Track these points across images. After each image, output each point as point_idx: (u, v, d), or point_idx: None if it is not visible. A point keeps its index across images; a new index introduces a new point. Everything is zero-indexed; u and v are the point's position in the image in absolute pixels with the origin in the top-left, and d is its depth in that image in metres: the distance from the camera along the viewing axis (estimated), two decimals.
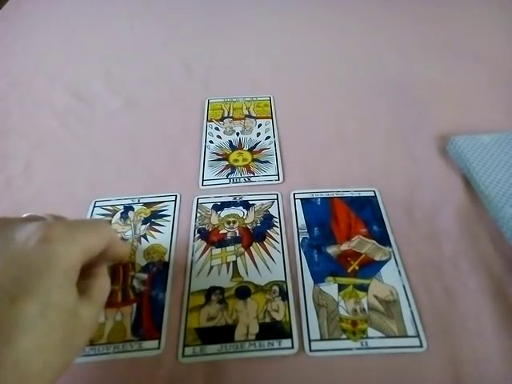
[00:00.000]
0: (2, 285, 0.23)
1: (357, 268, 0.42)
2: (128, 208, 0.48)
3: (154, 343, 0.37)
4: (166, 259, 0.43)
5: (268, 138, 0.57)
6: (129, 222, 0.47)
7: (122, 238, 0.45)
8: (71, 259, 0.26)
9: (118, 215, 0.48)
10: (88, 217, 0.47)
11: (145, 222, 0.47)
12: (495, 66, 0.69)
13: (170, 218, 0.47)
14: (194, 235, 0.45)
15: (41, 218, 0.29)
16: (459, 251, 0.43)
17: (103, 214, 0.48)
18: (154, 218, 0.47)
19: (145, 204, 0.49)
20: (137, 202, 0.49)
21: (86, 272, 0.30)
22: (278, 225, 0.46)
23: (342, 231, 0.45)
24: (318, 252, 0.43)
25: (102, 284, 0.31)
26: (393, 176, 0.51)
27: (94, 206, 0.49)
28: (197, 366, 0.36)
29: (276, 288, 0.40)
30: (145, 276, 0.42)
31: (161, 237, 0.46)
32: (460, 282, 0.41)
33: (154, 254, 0.44)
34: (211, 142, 0.57)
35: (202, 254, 0.44)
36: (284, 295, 0.40)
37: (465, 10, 0.85)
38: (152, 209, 0.48)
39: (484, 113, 0.60)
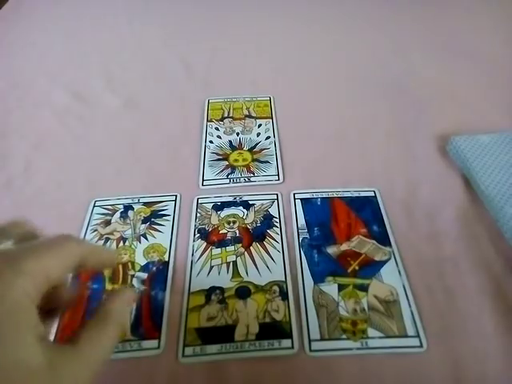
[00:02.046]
0: None
1: (357, 268, 0.42)
2: (128, 207, 0.49)
3: (153, 343, 0.37)
4: (166, 258, 0.43)
5: (268, 137, 0.57)
6: (128, 221, 0.47)
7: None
8: (19, 297, 0.20)
9: (117, 214, 0.48)
10: (88, 216, 0.48)
11: (145, 221, 0.47)
12: (495, 65, 0.69)
13: (170, 218, 0.47)
14: (194, 235, 0.46)
15: None
16: (459, 251, 0.43)
17: (103, 214, 0.48)
18: (153, 217, 0.47)
19: (145, 203, 0.49)
20: (137, 201, 0.49)
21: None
22: (277, 225, 0.46)
23: (342, 231, 0.45)
24: (318, 252, 0.43)
25: (101, 337, 0.23)
26: (393, 176, 0.51)
27: (94, 206, 0.49)
28: (197, 366, 0.36)
29: (276, 288, 0.40)
30: (144, 275, 0.42)
31: (160, 236, 0.46)
32: (460, 282, 0.41)
33: (153, 254, 0.44)
34: (211, 142, 0.57)
35: (202, 253, 0.44)
36: (284, 295, 0.40)
37: (465, 10, 0.85)
38: (152, 208, 0.48)
39: (484, 113, 0.60)
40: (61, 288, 0.26)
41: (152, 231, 0.46)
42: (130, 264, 0.43)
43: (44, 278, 0.22)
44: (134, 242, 0.45)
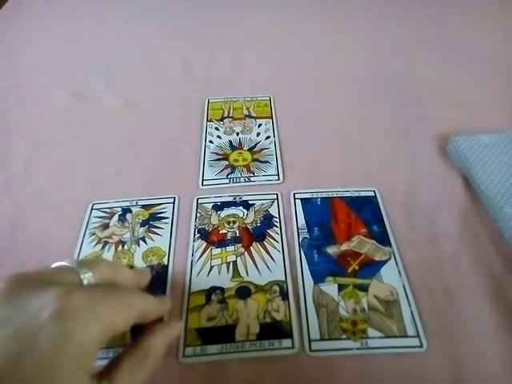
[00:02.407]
0: None
1: (357, 268, 0.42)
2: (126, 210, 0.48)
3: None
4: (165, 262, 0.43)
5: (268, 137, 0.57)
6: (127, 224, 0.47)
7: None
8: (87, 340, 0.22)
9: (115, 217, 0.48)
10: (86, 218, 0.47)
11: (143, 224, 0.47)
12: (495, 65, 0.69)
13: (169, 221, 0.47)
14: (194, 235, 0.45)
15: (66, 285, 0.24)
16: (459, 251, 0.43)
17: (101, 217, 0.48)
18: (152, 220, 0.47)
19: (143, 206, 0.49)
20: (135, 204, 0.49)
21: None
22: (277, 225, 0.46)
23: (342, 231, 0.45)
24: (318, 252, 0.43)
25: (135, 374, 0.25)
26: (393, 176, 0.51)
27: (92, 209, 0.48)
28: (197, 367, 0.36)
29: (276, 288, 0.40)
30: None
31: (159, 239, 0.45)
32: (460, 282, 0.41)
33: (152, 257, 0.44)
34: (211, 141, 0.57)
35: (202, 254, 0.44)
36: (284, 295, 0.40)
37: (465, 10, 0.85)
38: (150, 211, 0.48)
39: (484, 113, 0.60)
40: None
41: (151, 234, 0.46)
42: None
43: (112, 329, 0.24)
44: (133, 246, 0.45)
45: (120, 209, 0.48)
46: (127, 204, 0.49)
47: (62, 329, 0.21)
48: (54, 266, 0.26)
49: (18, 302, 0.22)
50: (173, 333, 0.30)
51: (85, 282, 0.25)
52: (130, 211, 0.48)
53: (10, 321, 0.21)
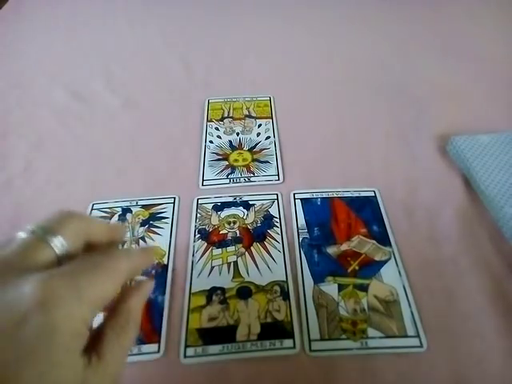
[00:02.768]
0: None
1: (357, 268, 0.42)
2: (126, 210, 0.48)
3: (153, 347, 0.37)
4: (165, 261, 0.43)
5: (268, 137, 0.57)
6: (127, 224, 0.47)
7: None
8: (77, 324, 0.21)
9: (115, 217, 0.48)
10: None
11: (143, 224, 0.47)
12: (495, 66, 0.69)
13: (169, 221, 0.47)
14: (195, 236, 0.46)
15: (45, 271, 0.22)
16: (459, 251, 0.44)
17: (101, 217, 0.48)
18: (152, 220, 0.47)
19: (143, 206, 0.49)
20: (135, 204, 0.49)
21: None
22: (278, 225, 0.46)
23: (342, 231, 0.45)
24: (318, 252, 0.44)
25: (121, 341, 0.24)
26: (393, 176, 0.51)
27: (92, 209, 0.49)
28: (199, 367, 0.36)
29: (277, 288, 0.40)
30: (143, 279, 0.42)
31: (159, 239, 0.45)
32: (460, 281, 0.41)
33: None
34: (211, 142, 0.57)
35: (203, 254, 0.44)
36: (285, 295, 0.40)
37: (465, 10, 0.85)
38: (150, 211, 0.48)
39: (484, 113, 0.60)
40: None
41: (151, 234, 0.46)
42: None
43: (101, 303, 0.22)
44: (133, 245, 0.45)
45: (120, 209, 0.48)
46: (127, 204, 0.49)
47: (49, 318, 0.19)
48: (18, 238, 0.24)
49: None
50: (147, 291, 0.29)
51: (57, 250, 0.23)
52: (130, 211, 0.48)
53: None
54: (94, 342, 0.23)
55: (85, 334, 0.21)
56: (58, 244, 0.23)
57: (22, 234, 0.24)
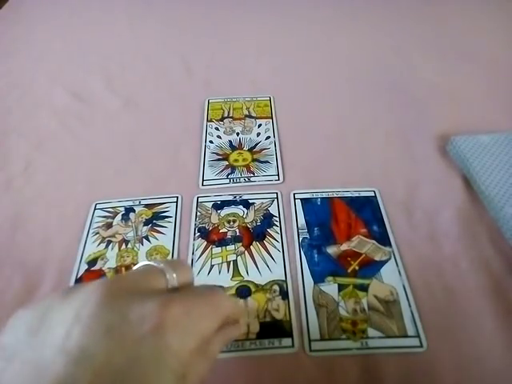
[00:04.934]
0: (101, 376, 0.19)
1: (357, 268, 0.42)
2: (129, 210, 0.48)
3: None
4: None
5: (268, 137, 0.57)
6: (130, 223, 0.47)
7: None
8: (183, 353, 0.22)
9: (119, 217, 0.48)
10: (89, 219, 0.47)
11: (146, 223, 0.47)
12: (495, 66, 0.69)
13: (172, 220, 0.47)
14: (195, 234, 0.46)
15: (164, 294, 0.24)
16: (459, 251, 0.43)
17: (104, 216, 0.48)
18: (155, 219, 0.47)
19: (146, 205, 0.49)
20: (138, 203, 0.49)
21: None
22: (277, 224, 0.46)
23: (342, 231, 0.45)
24: (318, 252, 0.43)
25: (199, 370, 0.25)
26: (393, 176, 0.51)
27: (95, 209, 0.49)
28: None
29: (276, 287, 0.40)
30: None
31: (163, 238, 0.45)
32: (460, 281, 0.41)
33: (156, 256, 0.44)
34: (211, 142, 0.57)
35: (203, 252, 0.44)
36: (284, 294, 0.40)
37: (465, 11, 0.85)
38: (153, 210, 0.48)
39: (484, 113, 0.60)
40: None
41: (154, 233, 0.46)
42: (132, 267, 0.43)
43: (204, 339, 0.24)
44: (137, 245, 0.45)
45: (123, 208, 0.49)
46: (130, 203, 0.49)
47: (164, 341, 0.21)
48: (141, 265, 0.26)
49: (119, 309, 0.22)
50: (234, 334, 0.30)
51: (169, 284, 0.25)
52: (133, 210, 0.48)
53: (113, 329, 0.21)
54: None
55: (188, 363, 0.22)
56: (171, 278, 0.26)
57: (146, 262, 0.27)
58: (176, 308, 0.23)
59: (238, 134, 0.58)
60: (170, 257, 0.44)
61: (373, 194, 0.49)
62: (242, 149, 0.56)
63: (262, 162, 0.54)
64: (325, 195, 0.49)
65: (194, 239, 0.45)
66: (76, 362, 0.19)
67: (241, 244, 0.44)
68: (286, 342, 0.37)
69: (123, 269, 0.43)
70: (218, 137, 0.58)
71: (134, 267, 0.27)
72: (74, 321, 0.20)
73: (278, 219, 0.47)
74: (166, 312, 0.22)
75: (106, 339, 0.20)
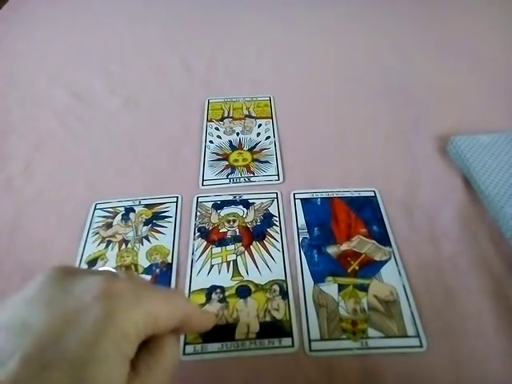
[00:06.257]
0: (40, 346, 0.19)
1: (357, 268, 0.42)
2: (129, 210, 0.48)
3: None
4: (169, 260, 0.43)
5: (268, 138, 0.57)
6: (130, 223, 0.47)
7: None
8: (129, 326, 0.21)
9: (119, 217, 0.48)
10: (89, 219, 0.47)
11: (146, 223, 0.47)
12: (495, 65, 0.69)
13: (172, 220, 0.47)
14: (194, 234, 0.46)
15: (110, 272, 0.25)
16: (459, 251, 0.43)
17: (104, 216, 0.48)
18: (155, 219, 0.47)
19: (146, 205, 0.49)
20: (138, 203, 0.49)
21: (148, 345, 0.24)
22: (277, 224, 0.46)
23: (342, 231, 0.45)
24: (317, 252, 0.43)
25: (162, 362, 0.24)
26: (393, 176, 0.51)
27: (95, 209, 0.49)
28: (197, 365, 0.36)
29: (276, 287, 0.40)
30: (148, 278, 0.42)
31: (163, 238, 0.45)
32: (460, 282, 0.41)
33: (156, 256, 0.44)
34: (211, 141, 0.57)
35: (203, 252, 0.44)
36: (284, 294, 0.40)
37: (465, 11, 0.85)
38: (153, 210, 0.48)
39: (484, 113, 0.60)
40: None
41: (154, 233, 0.46)
42: (133, 267, 0.43)
43: (154, 321, 0.23)
44: (137, 245, 0.45)
45: (123, 208, 0.48)
46: (130, 203, 0.49)
47: (106, 310, 0.21)
48: (102, 269, 0.26)
49: (64, 286, 0.22)
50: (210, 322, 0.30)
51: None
52: (133, 210, 0.48)
53: (54, 301, 0.21)
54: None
55: (133, 339, 0.22)
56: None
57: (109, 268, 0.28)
58: (122, 282, 0.23)
59: (237, 134, 0.58)
60: (169, 256, 0.43)
61: (373, 194, 0.49)
62: (242, 149, 0.56)
63: (261, 162, 0.54)
64: (325, 195, 0.49)
65: (194, 239, 0.45)
66: (17, 333, 0.19)
67: (241, 244, 0.44)
68: (286, 341, 0.37)
69: (123, 269, 0.42)
70: (218, 137, 0.58)
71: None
72: (20, 301, 0.21)
73: (277, 219, 0.47)
74: (110, 283, 0.22)
75: (47, 310, 0.21)
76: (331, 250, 0.44)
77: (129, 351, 0.21)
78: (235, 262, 0.43)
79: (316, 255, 0.43)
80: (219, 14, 0.86)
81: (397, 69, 0.70)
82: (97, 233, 0.46)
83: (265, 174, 0.52)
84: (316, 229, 0.46)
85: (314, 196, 0.49)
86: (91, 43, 0.79)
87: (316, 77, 0.69)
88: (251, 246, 0.44)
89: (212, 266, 0.42)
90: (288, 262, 0.43)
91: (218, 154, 0.55)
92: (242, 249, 0.44)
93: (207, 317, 0.31)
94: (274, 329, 0.37)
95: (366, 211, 0.47)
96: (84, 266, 0.43)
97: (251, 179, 0.51)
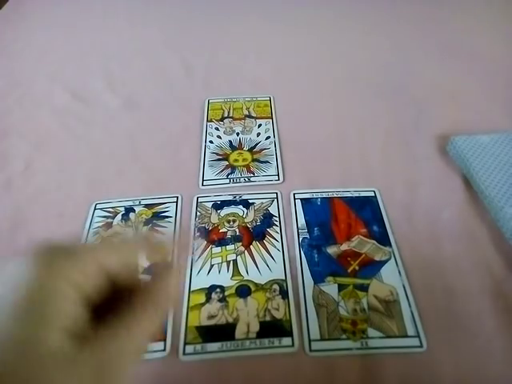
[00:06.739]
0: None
1: (357, 268, 0.42)
2: (129, 210, 0.48)
3: (159, 345, 0.37)
4: (169, 260, 0.43)
5: (268, 138, 0.57)
6: (130, 223, 0.47)
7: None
8: (57, 287, 0.20)
9: (119, 217, 0.48)
10: (89, 219, 0.47)
11: (146, 223, 0.47)
12: (495, 65, 0.69)
13: (172, 220, 0.47)
14: (194, 234, 0.45)
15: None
16: (459, 251, 0.43)
17: (104, 216, 0.48)
18: (155, 219, 0.47)
19: (146, 205, 0.49)
20: (138, 203, 0.49)
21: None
22: (277, 223, 0.46)
23: (342, 231, 0.45)
24: (318, 252, 0.43)
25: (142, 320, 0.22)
26: (393, 176, 0.51)
27: (95, 209, 0.48)
28: (198, 364, 0.36)
29: (276, 287, 0.40)
30: (148, 278, 0.42)
31: (163, 238, 0.45)
32: (460, 281, 0.41)
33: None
34: (211, 142, 0.57)
35: (203, 252, 0.44)
36: (284, 294, 0.40)
37: (465, 11, 0.85)
38: (153, 210, 0.48)
39: (484, 113, 0.60)
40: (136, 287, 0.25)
41: (154, 233, 0.46)
42: None
43: (96, 267, 0.21)
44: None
45: (123, 208, 0.48)
46: (130, 203, 0.49)
47: (49, 267, 0.20)
48: None
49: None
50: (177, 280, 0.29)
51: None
52: (133, 210, 0.48)
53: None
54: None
55: (69, 297, 0.20)
56: None
57: None
58: (60, 243, 0.21)
59: (238, 134, 0.58)
60: (169, 256, 0.43)
61: (373, 194, 0.49)
62: (242, 149, 0.56)
63: (261, 162, 0.54)
64: (325, 195, 0.49)
65: (194, 239, 0.45)
66: None
67: (240, 244, 0.44)
68: (286, 341, 0.37)
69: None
70: (218, 137, 0.58)
71: None
72: None
73: (277, 219, 0.47)
74: (48, 243, 0.21)
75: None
76: (331, 250, 0.44)
77: (65, 309, 0.19)
78: (235, 261, 0.43)
79: (316, 255, 0.43)
80: (219, 14, 0.86)
81: (397, 69, 0.70)
82: (97, 233, 0.46)
83: (265, 174, 0.52)
84: (316, 229, 0.46)
85: (314, 196, 0.49)
86: (91, 43, 0.79)
87: (316, 77, 0.69)
88: (251, 246, 0.44)
89: (212, 265, 0.42)
90: (288, 261, 0.43)
91: (218, 154, 0.55)
92: (242, 249, 0.44)
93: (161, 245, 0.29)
94: (273, 328, 0.37)
95: (366, 211, 0.47)
96: None
97: (251, 179, 0.51)
